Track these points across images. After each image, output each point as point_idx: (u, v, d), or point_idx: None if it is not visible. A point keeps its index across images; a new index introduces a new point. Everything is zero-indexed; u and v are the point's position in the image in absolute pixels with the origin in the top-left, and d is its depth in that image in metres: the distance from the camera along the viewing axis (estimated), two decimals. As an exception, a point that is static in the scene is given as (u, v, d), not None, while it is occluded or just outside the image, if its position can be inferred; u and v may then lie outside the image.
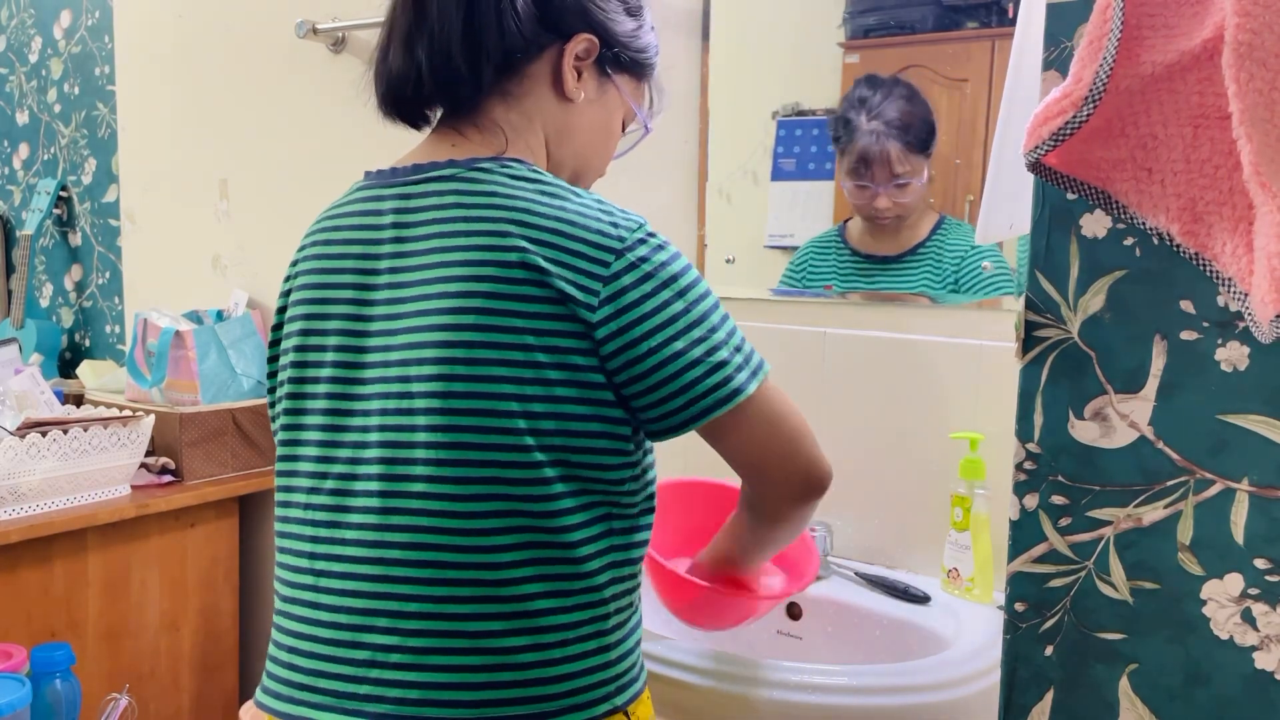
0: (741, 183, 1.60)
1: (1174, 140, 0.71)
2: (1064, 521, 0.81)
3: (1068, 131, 0.71)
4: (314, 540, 0.89)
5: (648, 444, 0.93)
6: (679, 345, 0.85)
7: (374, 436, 0.87)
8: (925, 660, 1.16)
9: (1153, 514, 0.78)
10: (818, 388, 1.48)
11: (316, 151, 2.05)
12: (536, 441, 0.84)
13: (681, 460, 1.42)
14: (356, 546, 0.87)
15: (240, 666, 2.08)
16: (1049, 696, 0.83)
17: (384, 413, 0.86)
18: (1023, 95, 0.99)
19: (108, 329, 2.51)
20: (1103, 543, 0.80)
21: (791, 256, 1.57)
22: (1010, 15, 1.33)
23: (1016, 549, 0.84)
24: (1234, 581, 0.75)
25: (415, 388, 0.85)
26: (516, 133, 0.93)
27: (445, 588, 0.84)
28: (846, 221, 1.53)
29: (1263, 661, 0.75)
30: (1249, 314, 0.68)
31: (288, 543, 0.92)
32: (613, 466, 0.88)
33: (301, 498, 0.91)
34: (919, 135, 1.43)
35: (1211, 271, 0.71)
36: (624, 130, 1.04)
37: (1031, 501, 0.83)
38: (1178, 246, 0.72)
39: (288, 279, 0.97)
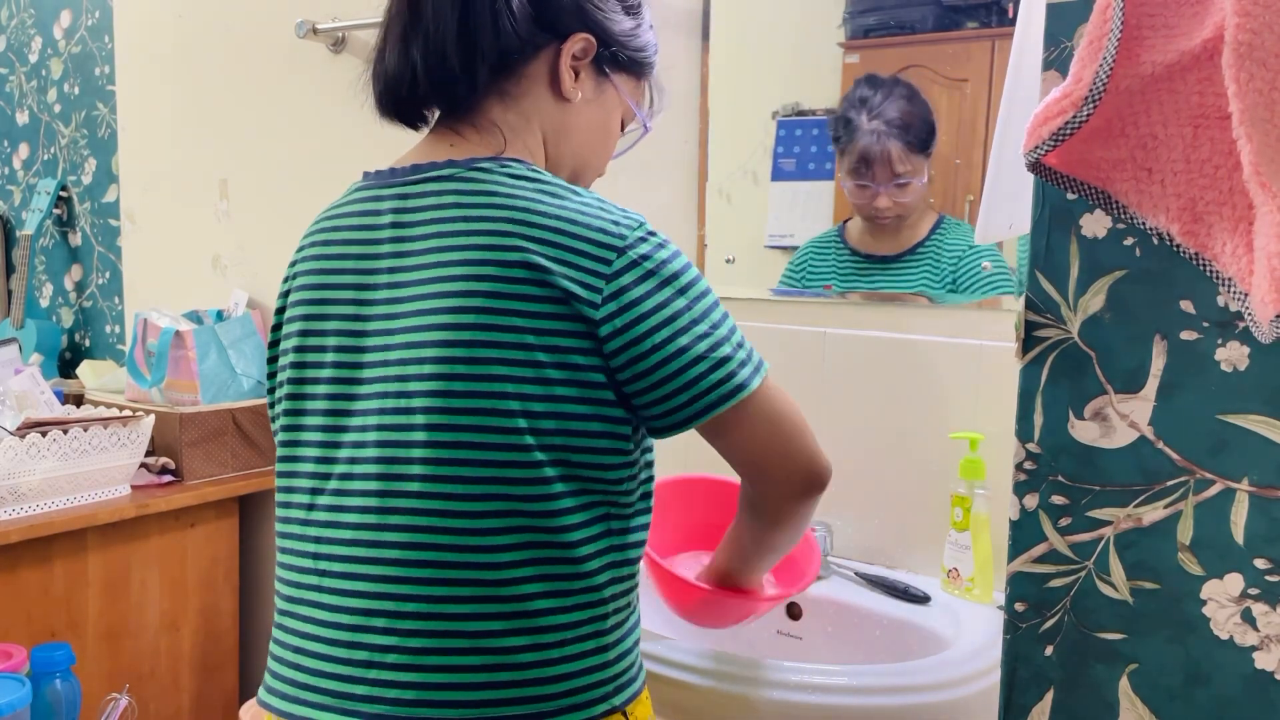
0: (741, 183, 1.60)
1: (1174, 140, 0.71)
2: (1064, 521, 0.81)
3: (1068, 131, 0.71)
4: (317, 540, 0.89)
5: (646, 442, 0.93)
6: (683, 342, 0.85)
7: (372, 436, 0.87)
8: (925, 660, 1.16)
9: (1153, 514, 0.78)
10: (818, 388, 1.48)
11: (316, 151, 2.05)
12: (536, 441, 0.84)
13: (682, 457, 1.42)
14: (355, 546, 0.87)
15: (240, 666, 2.08)
16: (1049, 696, 0.83)
17: (382, 412, 0.86)
18: (1023, 95, 0.99)
19: (108, 329, 2.51)
20: (1103, 543, 0.80)
21: (791, 256, 1.57)
22: (1010, 15, 1.33)
23: (1016, 549, 0.84)
24: (1234, 581, 0.75)
25: (414, 387, 0.85)
26: (514, 132, 0.93)
27: (444, 587, 0.84)
28: (846, 221, 1.53)
29: (1263, 661, 0.75)
30: (1249, 314, 0.68)
31: (289, 543, 0.92)
32: (612, 466, 0.88)
33: (303, 498, 0.91)
34: (919, 135, 1.43)
35: (1211, 271, 0.71)
36: (623, 129, 1.04)
37: (1031, 501, 0.83)
38: (1178, 246, 0.72)
39: (286, 279, 0.97)
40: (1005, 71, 1.03)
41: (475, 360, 0.83)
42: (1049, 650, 0.83)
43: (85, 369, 2.35)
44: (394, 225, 0.89)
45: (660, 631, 1.21)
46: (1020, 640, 0.84)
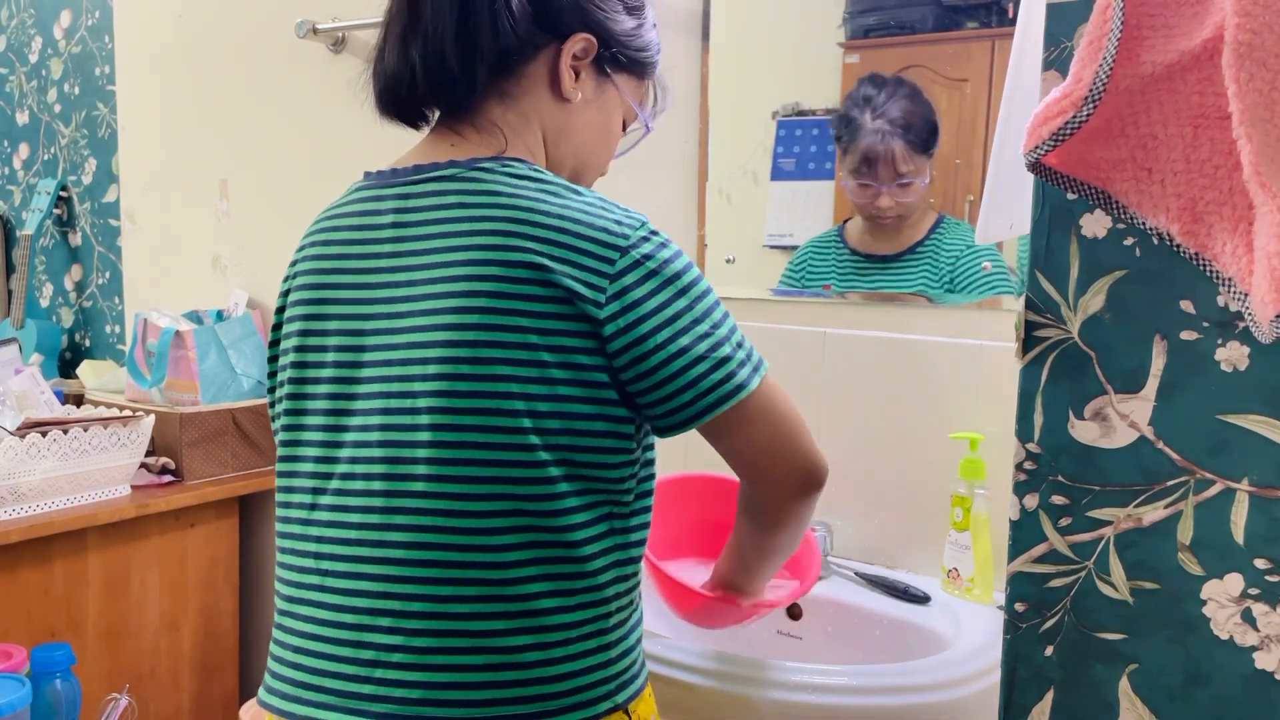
0: (741, 183, 1.60)
1: (1174, 140, 0.71)
2: (1064, 521, 0.81)
3: (1068, 131, 0.71)
4: (319, 540, 0.89)
5: (648, 441, 0.93)
6: (684, 342, 0.85)
7: (375, 436, 0.87)
8: (925, 660, 1.16)
9: (1153, 514, 0.78)
10: (818, 388, 1.48)
11: (316, 151, 2.05)
12: (541, 441, 0.84)
13: (682, 455, 1.42)
14: (359, 546, 0.87)
15: (240, 666, 2.08)
16: (1049, 696, 0.83)
17: (385, 412, 0.86)
18: (1023, 95, 0.99)
19: (108, 329, 2.51)
20: (1103, 543, 0.80)
21: (791, 256, 1.57)
22: (1010, 15, 1.33)
23: (1016, 549, 0.84)
24: (1234, 581, 0.75)
25: (418, 387, 0.85)
26: (515, 133, 0.93)
27: (449, 587, 0.84)
28: (846, 221, 1.53)
29: (1263, 661, 0.75)
30: (1249, 314, 0.68)
31: (290, 543, 0.92)
32: (615, 465, 0.88)
33: (305, 498, 0.91)
34: (922, 135, 1.43)
35: (1211, 271, 0.71)
36: (625, 129, 1.04)
37: (1031, 501, 0.83)
38: (1178, 246, 0.72)
39: (287, 279, 0.97)
40: (1005, 71, 1.03)
41: (480, 360, 0.83)
42: (1049, 650, 0.83)
43: (85, 369, 2.35)
44: (395, 225, 0.89)
45: (660, 631, 1.21)
46: (1020, 640, 0.84)
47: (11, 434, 1.67)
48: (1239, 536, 0.75)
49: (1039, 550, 0.83)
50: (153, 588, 1.90)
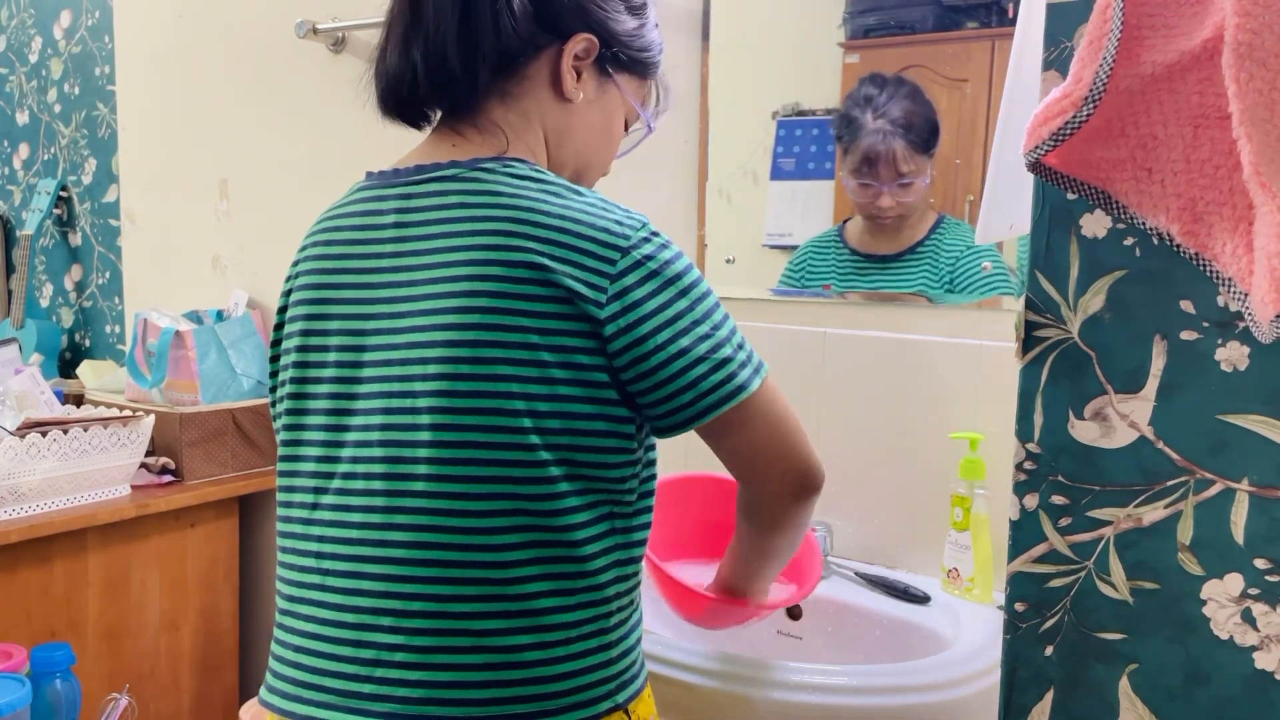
0: (741, 182, 1.60)
1: (1174, 140, 0.71)
2: (1064, 521, 0.82)
3: (1068, 131, 0.71)
4: (320, 540, 0.89)
5: (649, 441, 0.93)
6: (685, 343, 0.85)
7: (376, 435, 0.87)
8: (925, 660, 1.16)
9: (1153, 514, 0.78)
10: (818, 388, 1.48)
11: (316, 151, 2.05)
12: (542, 440, 0.84)
13: (682, 455, 1.42)
14: (360, 545, 0.87)
15: (240, 666, 2.08)
16: (1049, 696, 0.83)
17: (387, 412, 0.86)
18: (1023, 95, 0.99)
19: (108, 329, 2.51)
20: (1103, 543, 0.80)
21: (791, 256, 1.57)
22: (1010, 15, 1.34)
23: (1016, 549, 0.84)
24: (1234, 581, 0.75)
25: (419, 386, 0.85)
26: (516, 133, 0.93)
27: (450, 586, 0.84)
28: (846, 221, 1.53)
29: (1263, 661, 0.75)
30: (1249, 314, 0.68)
31: (291, 542, 0.92)
32: (616, 465, 0.88)
33: (306, 497, 0.91)
34: (923, 134, 1.43)
35: (1211, 271, 0.71)
36: (627, 129, 1.04)
37: (1031, 501, 0.83)
38: (1178, 246, 0.72)
39: (288, 279, 0.97)
40: (1005, 71, 1.03)
41: (480, 360, 0.83)
42: (1049, 650, 0.83)
43: (85, 369, 2.35)
44: (397, 225, 0.89)
45: (660, 631, 1.21)
46: (1020, 640, 0.84)
47: (11, 434, 1.67)
48: (1239, 536, 0.75)
49: (1039, 550, 0.83)
50: (153, 588, 1.90)
